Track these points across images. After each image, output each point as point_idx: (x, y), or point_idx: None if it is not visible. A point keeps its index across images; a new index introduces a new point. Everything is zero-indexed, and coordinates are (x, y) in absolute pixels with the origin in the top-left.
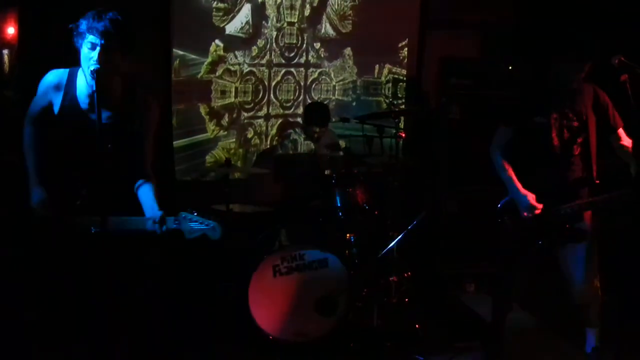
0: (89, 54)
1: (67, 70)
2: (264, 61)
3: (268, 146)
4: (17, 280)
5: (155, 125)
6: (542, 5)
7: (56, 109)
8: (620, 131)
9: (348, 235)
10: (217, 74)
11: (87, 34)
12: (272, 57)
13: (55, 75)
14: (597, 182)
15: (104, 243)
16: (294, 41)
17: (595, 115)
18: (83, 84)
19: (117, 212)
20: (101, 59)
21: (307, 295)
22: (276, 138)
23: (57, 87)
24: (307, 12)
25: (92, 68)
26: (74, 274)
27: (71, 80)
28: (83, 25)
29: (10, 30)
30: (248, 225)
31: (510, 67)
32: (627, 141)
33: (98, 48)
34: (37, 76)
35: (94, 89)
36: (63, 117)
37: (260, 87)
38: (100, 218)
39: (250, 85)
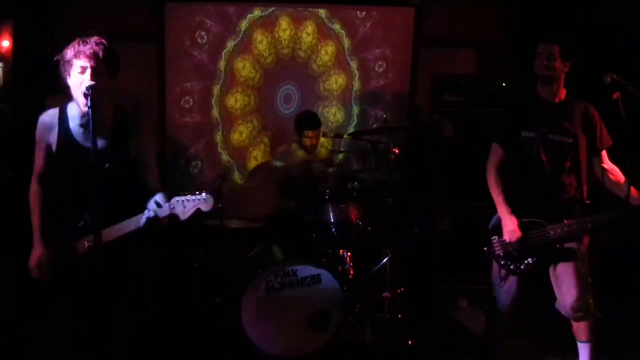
0: (79, 79)
1: (57, 108)
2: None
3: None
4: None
5: (151, 145)
6: (535, 22)
7: (53, 147)
8: (604, 153)
9: (341, 251)
10: None
11: (75, 60)
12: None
13: (46, 116)
14: (588, 201)
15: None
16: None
17: (585, 133)
18: (75, 115)
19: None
20: (93, 76)
21: (300, 311)
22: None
23: (50, 127)
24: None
25: (87, 85)
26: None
27: (63, 115)
28: (69, 53)
29: (5, 44)
30: (241, 241)
31: (503, 84)
32: (608, 164)
33: (88, 70)
34: (32, 90)
35: (89, 105)
36: (60, 151)
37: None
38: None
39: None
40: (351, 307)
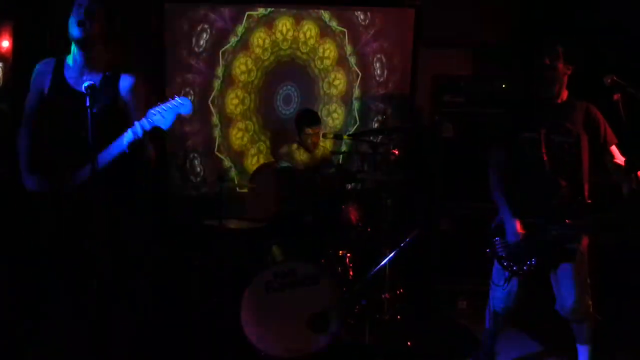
0: (77, 13)
1: (55, 58)
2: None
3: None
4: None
5: (142, 100)
6: (534, 23)
7: (46, 90)
8: (614, 149)
9: (341, 252)
10: None
11: (76, 9)
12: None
13: (42, 63)
14: (589, 201)
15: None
16: None
17: (587, 133)
18: (70, 62)
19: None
20: (88, 12)
21: (300, 312)
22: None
23: (46, 72)
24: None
25: (79, 18)
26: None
27: (59, 63)
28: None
29: (5, 44)
30: (241, 241)
31: (503, 85)
32: (620, 159)
33: (85, 5)
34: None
35: (88, 104)
36: (52, 96)
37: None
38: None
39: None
40: (350, 308)
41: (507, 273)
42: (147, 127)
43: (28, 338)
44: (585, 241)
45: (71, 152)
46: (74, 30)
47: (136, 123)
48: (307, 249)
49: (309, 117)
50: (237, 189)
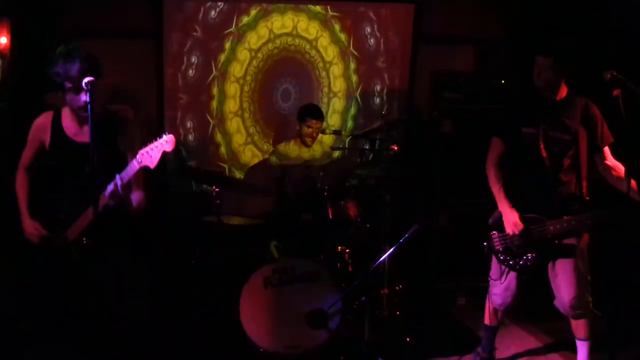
0: (74, 98)
1: (52, 111)
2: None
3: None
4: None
5: (139, 139)
6: (534, 18)
7: (47, 144)
8: (606, 150)
9: (340, 248)
10: None
11: (66, 82)
12: None
13: (41, 118)
14: (587, 198)
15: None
16: None
17: (586, 129)
18: (67, 115)
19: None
20: (91, 98)
21: (298, 308)
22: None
23: (44, 127)
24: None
25: (84, 81)
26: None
27: (57, 116)
28: (57, 72)
29: (3, 41)
30: (240, 238)
31: (502, 81)
32: (612, 161)
33: (83, 90)
34: (31, 87)
35: (88, 100)
36: (53, 149)
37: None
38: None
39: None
40: (349, 304)
41: (504, 268)
42: (136, 168)
43: (28, 338)
44: (585, 237)
45: (74, 200)
46: (77, 110)
47: (117, 176)
48: (305, 246)
49: (314, 110)
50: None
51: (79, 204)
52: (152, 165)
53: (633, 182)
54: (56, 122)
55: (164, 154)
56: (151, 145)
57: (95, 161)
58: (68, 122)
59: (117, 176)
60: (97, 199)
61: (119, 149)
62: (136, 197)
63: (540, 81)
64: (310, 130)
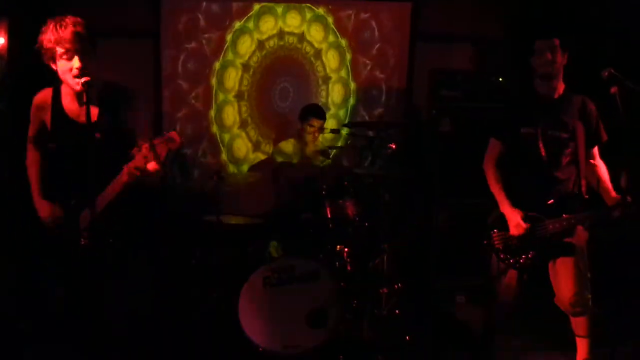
0: (67, 65)
1: (52, 88)
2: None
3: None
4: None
5: (144, 120)
6: (532, 17)
7: (49, 125)
8: (595, 149)
9: (339, 247)
10: None
11: (58, 47)
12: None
13: (38, 97)
14: (586, 196)
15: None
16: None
17: (584, 126)
18: (67, 94)
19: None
20: (83, 64)
21: (298, 307)
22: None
23: (43, 107)
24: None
25: (81, 80)
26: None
27: (56, 95)
28: (48, 40)
29: (1, 41)
30: (239, 237)
31: (500, 80)
32: (598, 161)
33: (76, 56)
34: (27, 87)
35: (85, 101)
36: (55, 130)
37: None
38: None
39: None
40: (348, 303)
41: (503, 266)
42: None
43: (28, 338)
44: (584, 235)
45: (78, 183)
46: (72, 82)
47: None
48: (304, 245)
49: (317, 109)
50: (238, 181)
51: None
52: (159, 160)
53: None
54: (56, 101)
55: (170, 151)
56: (155, 140)
57: (93, 139)
58: (68, 101)
59: (125, 167)
60: (102, 187)
61: (123, 125)
62: (151, 165)
63: (542, 67)
64: (312, 129)
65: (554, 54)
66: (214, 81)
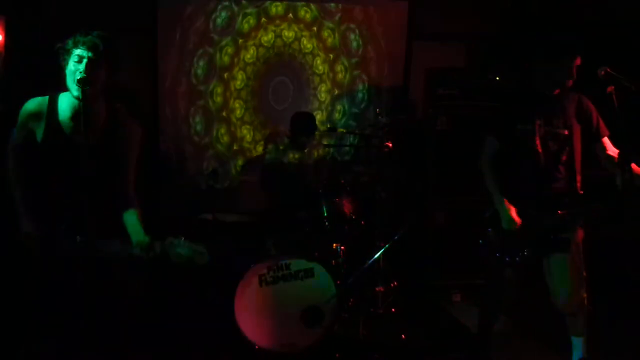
0: (75, 67)
1: (47, 97)
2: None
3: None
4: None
5: (138, 149)
6: (528, 15)
7: (39, 136)
8: (606, 140)
9: (335, 245)
10: None
11: (74, 49)
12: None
13: (33, 104)
14: (581, 192)
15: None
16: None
17: (580, 124)
18: (66, 107)
19: (102, 233)
20: (88, 69)
21: (293, 305)
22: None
23: (37, 116)
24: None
25: (78, 77)
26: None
27: (52, 106)
28: (70, 42)
29: None
30: (234, 234)
31: (497, 78)
32: (612, 150)
33: (85, 60)
34: (25, 86)
35: (80, 98)
36: (47, 143)
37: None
38: (84, 240)
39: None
40: (344, 301)
41: (500, 264)
42: (157, 252)
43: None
44: (580, 233)
45: (70, 200)
46: (71, 87)
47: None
48: (300, 243)
49: (305, 126)
50: (234, 181)
51: (80, 213)
52: (172, 259)
53: (635, 166)
54: (51, 112)
55: (190, 262)
56: (184, 243)
57: (92, 163)
58: (66, 113)
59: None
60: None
61: (119, 152)
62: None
63: (563, 80)
64: (302, 143)
65: (575, 68)
66: (212, 79)
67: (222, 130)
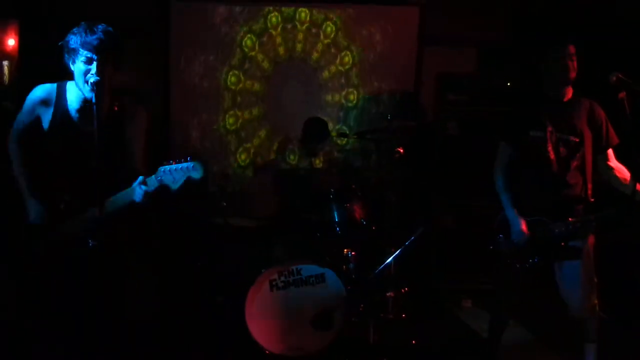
0: (84, 68)
1: (55, 84)
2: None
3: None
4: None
5: (144, 132)
6: (538, 21)
7: (45, 124)
8: (610, 151)
9: (345, 250)
10: None
11: (81, 49)
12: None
13: (43, 91)
14: (592, 200)
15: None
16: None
17: (591, 131)
18: (74, 97)
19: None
20: (99, 70)
21: (304, 310)
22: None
23: (46, 103)
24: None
25: (92, 80)
26: (65, 283)
27: (61, 94)
28: (74, 41)
29: (11, 42)
30: (245, 239)
31: (508, 84)
32: (614, 162)
33: (95, 62)
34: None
35: (94, 101)
36: (54, 131)
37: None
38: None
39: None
40: (355, 306)
41: (510, 270)
42: (155, 186)
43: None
44: (591, 239)
45: (75, 191)
46: (83, 87)
47: (145, 180)
48: (311, 248)
49: (318, 133)
50: (244, 186)
51: (80, 196)
52: (173, 187)
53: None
54: (59, 99)
55: (189, 179)
56: (175, 166)
57: (101, 156)
58: (74, 103)
59: (144, 183)
60: (102, 197)
61: (124, 140)
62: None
63: (570, 72)
64: (314, 149)
65: (572, 60)
66: (222, 82)
67: (234, 134)
